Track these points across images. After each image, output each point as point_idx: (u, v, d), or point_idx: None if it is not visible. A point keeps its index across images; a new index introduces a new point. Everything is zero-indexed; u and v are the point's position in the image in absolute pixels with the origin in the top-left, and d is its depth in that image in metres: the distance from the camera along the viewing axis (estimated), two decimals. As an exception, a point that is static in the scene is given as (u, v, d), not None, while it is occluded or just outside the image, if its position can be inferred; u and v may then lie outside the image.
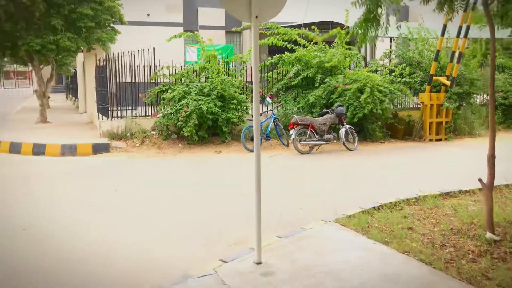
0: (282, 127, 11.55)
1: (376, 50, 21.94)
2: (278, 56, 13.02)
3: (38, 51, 13.09)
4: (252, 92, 12.42)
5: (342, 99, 11.62)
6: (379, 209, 5.45)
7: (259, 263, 4.09)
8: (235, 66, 13.86)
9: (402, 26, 14.45)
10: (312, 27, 13.41)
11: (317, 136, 10.85)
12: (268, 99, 11.85)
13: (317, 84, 12.25)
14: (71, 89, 26.10)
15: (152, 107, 12.26)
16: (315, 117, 11.64)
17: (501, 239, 4.33)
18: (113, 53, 12.78)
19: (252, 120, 11.44)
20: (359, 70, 12.52)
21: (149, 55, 12.27)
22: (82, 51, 14.61)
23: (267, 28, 14.25)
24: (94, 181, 8.22)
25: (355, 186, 7.56)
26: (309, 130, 10.72)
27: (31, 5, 12.14)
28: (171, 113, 11.11)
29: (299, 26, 14.46)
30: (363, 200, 6.45)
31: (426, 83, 13.02)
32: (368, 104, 11.36)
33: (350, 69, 13.21)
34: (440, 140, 12.70)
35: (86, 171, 9.06)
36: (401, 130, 12.77)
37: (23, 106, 23.87)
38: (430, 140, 12.58)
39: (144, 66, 12.30)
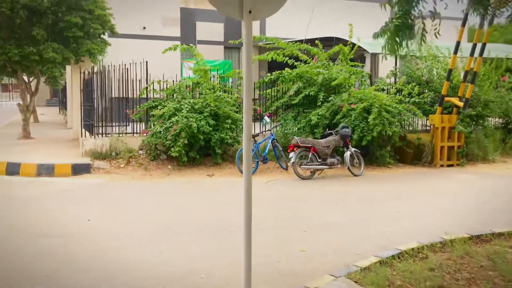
0: (281, 148, 10.57)
1: (379, 69, 21.13)
2: (278, 72, 12.11)
3: (18, 62, 12.17)
4: None
5: (347, 119, 10.67)
6: (399, 257, 4.44)
7: None
8: (232, 82, 12.95)
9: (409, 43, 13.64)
10: (316, 41, 12.53)
11: (320, 160, 9.87)
12: (266, 118, 10.89)
13: (319, 103, 11.32)
14: (63, 103, 25.20)
15: (141, 124, 11.30)
16: (317, 138, 10.69)
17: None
18: (102, 65, 11.90)
19: (248, 141, 10.46)
20: (364, 89, 11.59)
21: (142, 69, 11.39)
22: (70, 63, 13.71)
23: (267, 42, 13.41)
24: (66, 207, 7.20)
25: (364, 221, 6.54)
26: (310, 153, 9.75)
27: (10, 12, 11.25)
28: (160, 131, 10.14)
29: (301, 41, 13.59)
30: (376, 241, 5.46)
31: (437, 104, 12.10)
32: (376, 126, 10.40)
33: (355, 87, 12.29)
34: (451, 165, 11.72)
35: (60, 195, 8.04)
36: (410, 154, 11.79)
37: (13, 120, 22.92)
38: (441, 165, 11.60)
39: (133, 80, 11.38)
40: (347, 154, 10.19)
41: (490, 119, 13.19)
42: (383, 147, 11.18)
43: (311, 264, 4.80)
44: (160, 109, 10.37)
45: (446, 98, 11.68)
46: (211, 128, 10.09)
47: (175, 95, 10.93)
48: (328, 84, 11.78)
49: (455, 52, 11.42)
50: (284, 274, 4.52)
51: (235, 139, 10.56)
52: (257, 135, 10.57)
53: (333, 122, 11.06)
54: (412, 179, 10.07)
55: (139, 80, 11.33)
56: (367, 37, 14.58)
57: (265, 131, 11.07)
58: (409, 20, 3.48)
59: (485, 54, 11.76)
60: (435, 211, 7.19)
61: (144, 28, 20.47)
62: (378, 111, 10.47)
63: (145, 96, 11.21)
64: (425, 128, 13.46)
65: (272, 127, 11.27)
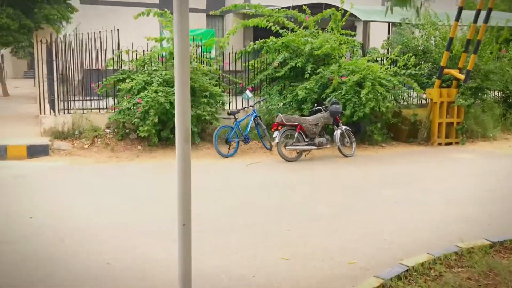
0: (265, 127, 9.51)
1: (371, 39, 19.97)
2: (261, 41, 10.94)
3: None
4: (230, 84, 10.35)
5: (337, 94, 9.62)
6: (406, 277, 3.47)
7: None
8: (216, 55, 11.69)
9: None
10: (303, 7, 11.32)
11: (307, 140, 8.86)
12: (248, 92, 9.78)
13: (307, 76, 10.23)
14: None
15: (107, 100, 10.12)
16: (305, 115, 9.65)
17: None
18: (68, 34, 10.64)
19: (228, 119, 9.39)
20: (356, 60, 10.50)
21: (113, 38, 10.17)
22: (33, 30, 12.35)
23: (252, 9, 12.19)
24: (8, 199, 6.13)
25: (358, 214, 5.59)
26: (297, 132, 8.72)
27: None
28: (128, 107, 9.01)
29: (288, 8, 12.36)
30: (374, 243, 4.52)
31: (435, 77, 11.09)
32: (369, 101, 9.38)
33: (346, 58, 11.19)
34: (450, 143, 10.80)
35: (7, 183, 6.96)
36: (405, 131, 10.82)
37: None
38: (439, 143, 10.67)
39: (103, 51, 10.12)
40: (337, 132, 9.18)
41: (489, 92, 12.21)
42: (375, 124, 10.19)
43: (292, 279, 3.83)
44: (128, 83, 9.21)
45: (445, 70, 10.65)
46: (185, 104, 8.97)
47: (146, 66, 9.74)
48: (315, 54, 10.68)
49: (457, 19, 10.33)
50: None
51: (213, 116, 9.47)
52: (238, 111, 9.48)
53: (322, 97, 10.01)
54: (408, 160, 9.12)
55: (113, 50, 10.10)
56: (359, 4, 13.50)
57: (247, 107, 9.99)
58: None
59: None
60: (437, 201, 6.26)
61: (120, -7, 19.00)
62: (371, 84, 9.43)
63: (115, 68, 10.00)
64: (420, 102, 12.49)
65: (255, 102, 10.18)
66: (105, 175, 7.51)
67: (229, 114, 9.27)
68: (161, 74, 9.26)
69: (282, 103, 10.44)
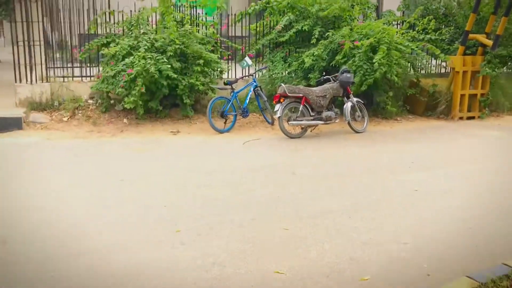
0: (266, 98, 8.47)
1: (384, 3, 18.52)
2: (264, 1, 9.76)
3: None
4: (228, 49, 9.21)
5: (349, 61, 8.51)
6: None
7: None
8: (213, 16, 10.51)
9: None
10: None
11: (313, 114, 7.83)
12: (247, 59, 8.66)
13: (314, 41, 9.10)
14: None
15: (91, 66, 9.09)
16: (312, 86, 8.59)
17: None
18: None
19: (224, 89, 8.35)
20: (371, 22, 9.32)
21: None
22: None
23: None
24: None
25: (371, 209, 4.61)
26: (301, 105, 7.68)
27: None
28: (112, 75, 8.00)
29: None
30: (391, 253, 3.58)
31: (458, 42, 9.91)
32: (381, 67, 8.26)
33: (358, 22, 9.99)
34: (472, 118, 9.72)
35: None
36: (423, 103, 9.72)
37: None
38: (460, 118, 9.60)
39: (88, 12, 9.04)
40: (348, 105, 8.13)
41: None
42: (385, 94, 9.07)
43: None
44: (112, 47, 8.16)
45: (471, 35, 9.46)
46: (177, 73, 7.93)
47: (132, 29, 8.65)
48: (325, 16, 9.51)
49: (487, -25, 9.08)
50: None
51: (208, 86, 8.42)
52: (236, 81, 8.40)
53: (332, 65, 8.90)
54: (428, 137, 8.08)
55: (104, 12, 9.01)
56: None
57: (246, 76, 8.90)
58: None
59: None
60: (464, 189, 5.27)
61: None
62: (386, 49, 8.30)
63: (99, 32, 8.93)
64: (439, 71, 11.33)
65: (255, 70, 9.11)
66: (79, 154, 6.55)
67: (225, 84, 8.22)
68: (149, 38, 8.19)
69: (286, 71, 9.35)
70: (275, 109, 7.59)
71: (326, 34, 9.07)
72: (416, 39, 9.65)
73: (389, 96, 9.02)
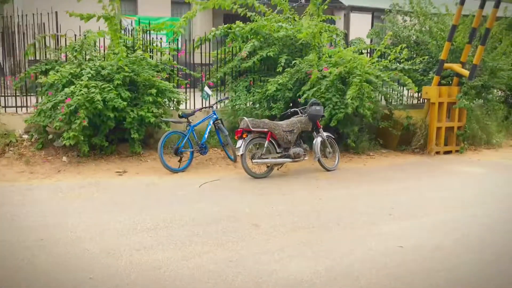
0: (228, 133, 7.57)
1: (351, 31, 18.22)
2: (226, 26, 8.98)
3: None
4: (187, 77, 8.17)
5: (315, 90, 7.76)
6: None
7: None
8: (169, 42, 9.59)
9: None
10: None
11: (280, 150, 6.97)
12: (206, 89, 7.78)
13: (280, 69, 8.33)
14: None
15: (27, 96, 8.04)
16: (276, 116, 7.77)
17: None
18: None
19: (179, 123, 7.40)
20: (341, 49, 8.65)
21: (51, 23, 8.16)
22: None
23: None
24: None
25: (353, 280, 3.71)
26: (267, 141, 6.81)
27: None
28: (51, 107, 6.96)
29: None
30: None
31: (432, 72, 9.35)
32: (353, 101, 7.56)
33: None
34: (449, 152, 9.09)
35: None
36: (396, 137, 9.02)
37: None
38: (437, 152, 8.94)
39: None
40: (318, 141, 7.32)
41: (495, 92, 10.53)
42: (352, 127, 8.31)
43: None
44: (51, 76, 7.13)
45: (446, 65, 8.92)
46: (125, 103, 6.96)
47: (75, 55, 7.66)
48: (292, 43, 8.81)
49: (462, 2, 8.58)
50: None
51: (160, 118, 7.45)
52: (193, 113, 7.49)
53: (299, 95, 8.14)
54: (405, 176, 7.32)
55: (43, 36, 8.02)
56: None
57: (206, 107, 8.00)
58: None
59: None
60: (456, 245, 4.45)
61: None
62: (359, 81, 7.60)
63: (33, 58, 7.92)
64: (411, 103, 10.78)
65: (216, 101, 8.24)
66: (2, 203, 5.43)
67: (180, 116, 7.28)
68: (94, 65, 7.22)
69: (250, 102, 8.53)
70: (237, 146, 6.70)
71: (293, 62, 8.33)
72: (388, 69, 9.04)
73: (353, 130, 8.25)
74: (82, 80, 6.85)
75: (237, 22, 9.01)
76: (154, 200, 5.64)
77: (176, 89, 7.93)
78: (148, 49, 8.38)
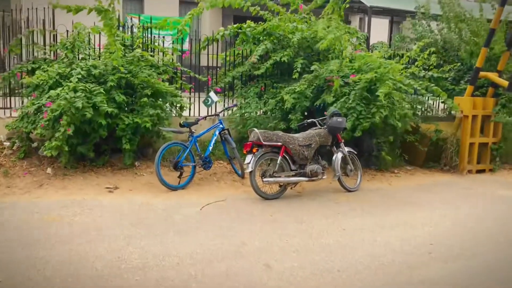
0: (235, 145, 6.65)
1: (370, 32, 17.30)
2: (236, 26, 8.10)
3: None
4: (191, 81, 7.14)
5: (340, 101, 6.82)
6: None
7: None
8: (173, 42, 8.69)
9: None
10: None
11: (294, 167, 6.04)
12: (212, 94, 6.84)
13: (296, 75, 7.42)
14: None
15: (10, 97, 7.19)
16: (292, 129, 6.86)
17: None
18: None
19: (180, 133, 6.48)
20: (368, 53, 7.72)
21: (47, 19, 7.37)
22: None
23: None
24: None
25: None
26: (280, 157, 5.89)
27: None
28: (34, 111, 6.09)
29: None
30: None
31: (465, 81, 8.41)
32: (381, 109, 6.63)
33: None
34: (482, 171, 8.13)
35: None
36: (423, 153, 8.08)
37: None
38: (469, 171, 7.98)
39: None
40: (338, 157, 6.39)
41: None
42: (387, 138, 7.42)
43: None
44: (37, 76, 6.27)
45: (481, 73, 7.97)
46: (115, 109, 6.07)
47: (66, 53, 6.79)
48: (309, 46, 7.91)
49: (502, 4, 7.64)
50: None
51: (161, 125, 6.53)
52: (196, 122, 6.56)
53: (316, 105, 7.22)
54: (438, 200, 6.35)
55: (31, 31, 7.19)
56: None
57: (211, 116, 7.07)
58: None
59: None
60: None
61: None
62: (392, 83, 6.68)
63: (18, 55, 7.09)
64: (439, 115, 9.81)
65: (224, 108, 7.34)
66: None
67: (181, 125, 6.36)
68: (86, 65, 6.35)
69: (262, 111, 7.64)
70: (246, 161, 5.78)
71: (311, 67, 7.40)
72: (416, 76, 8.11)
73: (389, 141, 7.35)
74: (71, 82, 5.98)
75: (248, 21, 8.14)
76: (145, 227, 4.72)
77: (179, 92, 7.04)
78: (149, 49, 7.50)
